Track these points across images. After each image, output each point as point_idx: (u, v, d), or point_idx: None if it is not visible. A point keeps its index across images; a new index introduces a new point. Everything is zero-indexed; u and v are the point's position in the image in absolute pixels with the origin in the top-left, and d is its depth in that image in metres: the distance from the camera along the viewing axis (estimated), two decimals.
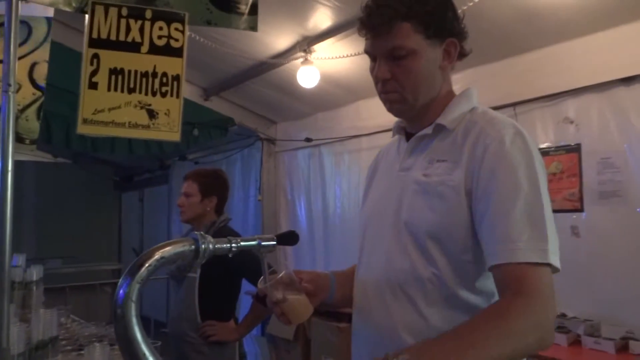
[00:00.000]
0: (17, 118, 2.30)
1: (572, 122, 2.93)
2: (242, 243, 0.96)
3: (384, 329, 1.11)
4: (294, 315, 1.01)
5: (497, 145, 1.04)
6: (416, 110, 1.17)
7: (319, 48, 3.39)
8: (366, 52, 1.17)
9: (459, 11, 1.20)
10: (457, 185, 1.06)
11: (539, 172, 1.03)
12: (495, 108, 3.17)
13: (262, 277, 1.06)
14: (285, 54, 3.57)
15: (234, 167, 5.58)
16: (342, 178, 4.41)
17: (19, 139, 2.20)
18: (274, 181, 5.12)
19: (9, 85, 1.02)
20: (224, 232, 2.46)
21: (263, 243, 1.00)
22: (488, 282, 1.05)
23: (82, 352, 1.42)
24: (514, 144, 1.04)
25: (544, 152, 3.02)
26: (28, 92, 2.40)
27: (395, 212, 1.15)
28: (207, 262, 2.43)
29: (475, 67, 3.26)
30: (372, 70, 1.17)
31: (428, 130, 1.16)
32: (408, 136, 1.23)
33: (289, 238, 1.06)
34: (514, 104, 3.10)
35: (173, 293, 2.54)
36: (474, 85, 3.47)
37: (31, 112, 2.41)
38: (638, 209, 2.63)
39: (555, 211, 3.21)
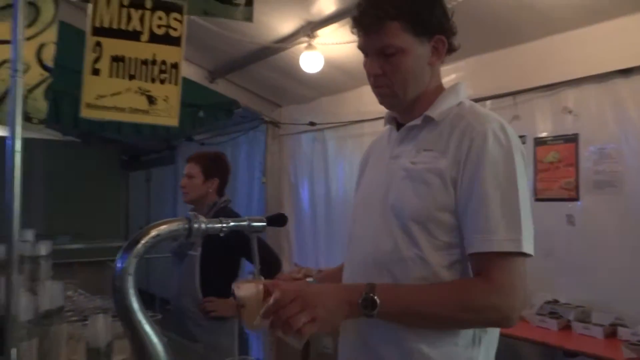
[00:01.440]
0: (25, 98, 2.38)
1: (570, 112, 2.96)
2: (232, 223, 1.03)
3: None
4: (245, 322, 1.07)
5: (481, 140, 1.11)
6: (406, 103, 1.24)
7: (323, 33, 3.42)
8: (359, 48, 1.23)
9: (450, 6, 1.26)
10: (442, 173, 1.13)
11: (517, 166, 1.11)
12: (495, 97, 3.23)
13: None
14: (289, 39, 3.60)
15: (240, 149, 5.64)
16: (345, 162, 4.46)
17: (27, 118, 2.27)
18: (278, 164, 5.18)
19: (16, 70, 1.09)
20: (224, 212, 2.54)
21: (253, 224, 1.06)
22: (465, 263, 1.13)
23: (86, 322, 1.50)
24: (496, 140, 1.11)
25: (542, 142, 3.06)
26: (36, 73, 2.46)
27: (383, 197, 1.23)
28: (210, 241, 2.51)
29: (476, 55, 3.29)
30: (365, 65, 1.24)
31: (417, 121, 1.23)
32: (399, 126, 1.30)
33: (278, 220, 1.13)
34: (513, 93, 3.13)
35: (175, 270, 2.64)
36: (474, 74, 3.48)
37: (39, 92, 2.48)
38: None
39: (551, 200, 3.24)
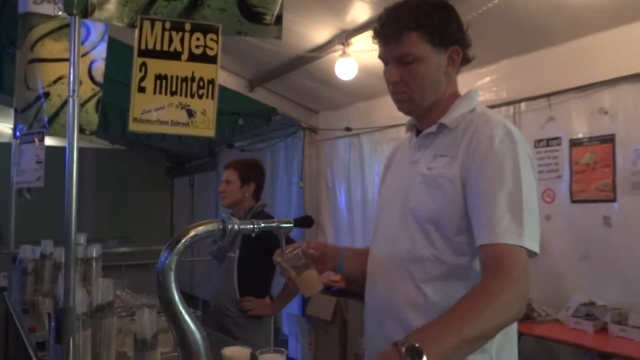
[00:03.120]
0: (78, 112, 2.56)
1: (606, 113, 2.94)
2: (262, 225, 1.13)
3: (388, 301, 1.27)
4: (304, 289, 1.17)
5: (487, 143, 1.18)
6: (423, 109, 1.31)
7: (357, 41, 3.51)
8: (379, 57, 1.32)
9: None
10: (454, 177, 1.21)
11: (522, 167, 1.16)
12: (530, 99, 3.24)
13: (279, 250, 1.22)
14: (324, 47, 3.72)
15: (279, 154, 5.79)
16: (380, 166, 4.49)
17: (80, 130, 2.45)
18: (315, 169, 5.29)
19: (74, 91, 1.23)
20: (260, 216, 2.66)
21: (281, 225, 1.16)
22: (477, 261, 1.19)
23: (134, 317, 1.64)
24: (502, 142, 1.17)
25: (578, 143, 3.05)
26: (88, 88, 2.66)
27: (403, 200, 1.31)
28: (247, 243, 2.61)
29: (510, 58, 3.31)
30: (384, 73, 1.32)
31: (433, 128, 1.31)
32: (418, 133, 1.38)
33: (305, 221, 1.23)
34: (548, 95, 3.13)
35: (215, 271, 2.78)
36: (508, 77, 3.47)
37: (90, 105, 2.67)
38: None
39: (587, 201, 3.21)
